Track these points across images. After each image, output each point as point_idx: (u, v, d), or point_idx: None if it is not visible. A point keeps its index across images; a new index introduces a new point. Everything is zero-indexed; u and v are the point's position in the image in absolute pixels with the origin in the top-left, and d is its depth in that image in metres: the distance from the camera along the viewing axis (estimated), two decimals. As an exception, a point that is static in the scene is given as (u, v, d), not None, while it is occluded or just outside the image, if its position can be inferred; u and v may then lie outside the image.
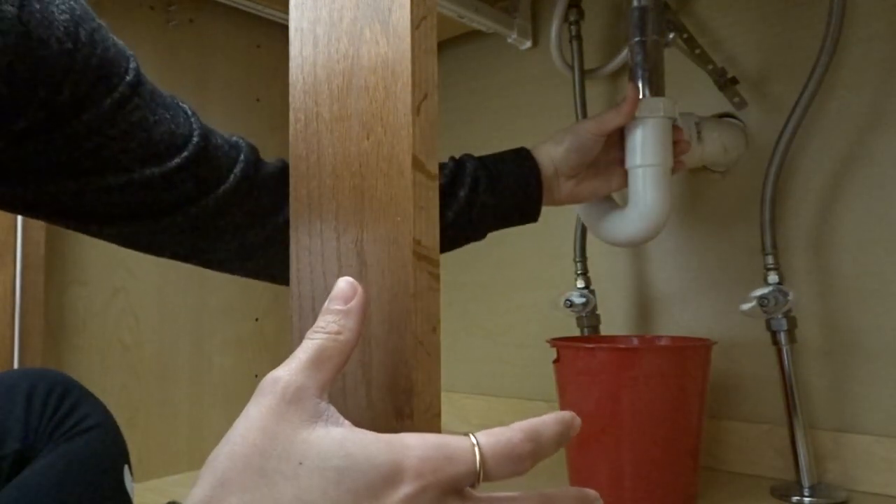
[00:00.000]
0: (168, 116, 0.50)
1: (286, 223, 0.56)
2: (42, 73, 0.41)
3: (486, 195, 0.70)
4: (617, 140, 0.83)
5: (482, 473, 0.30)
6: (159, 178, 0.49)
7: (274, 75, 1.30)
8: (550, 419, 0.32)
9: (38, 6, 0.40)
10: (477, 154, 0.73)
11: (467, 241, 0.72)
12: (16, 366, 0.96)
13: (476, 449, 0.30)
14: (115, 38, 0.47)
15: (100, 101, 0.45)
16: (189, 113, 0.52)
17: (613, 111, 0.79)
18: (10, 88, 0.40)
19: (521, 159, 0.74)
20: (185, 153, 0.50)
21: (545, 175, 0.75)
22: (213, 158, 0.52)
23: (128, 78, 0.47)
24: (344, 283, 0.34)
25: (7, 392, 0.59)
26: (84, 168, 0.46)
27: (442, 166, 0.69)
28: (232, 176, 0.53)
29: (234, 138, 0.56)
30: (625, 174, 0.83)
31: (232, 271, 0.60)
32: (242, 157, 0.54)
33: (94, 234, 0.53)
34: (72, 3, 0.43)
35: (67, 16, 0.42)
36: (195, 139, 0.51)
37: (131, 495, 0.60)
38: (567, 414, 0.33)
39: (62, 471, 0.56)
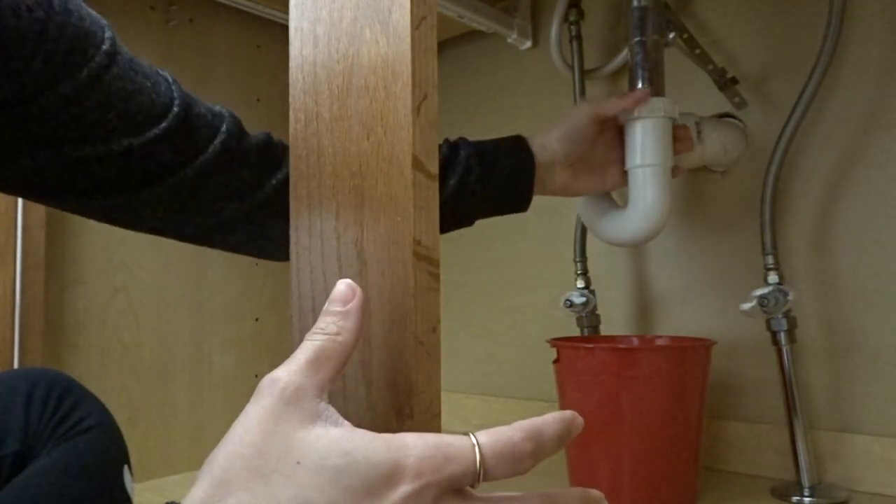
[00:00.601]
0: (148, 85, 0.49)
1: (267, 198, 0.55)
2: (12, 43, 0.40)
3: (478, 185, 0.68)
4: (616, 139, 0.83)
5: (482, 473, 0.30)
6: (138, 148, 0.48)
7: (274, 75, 1.30)
8: (552, 418, 0.32)
9: None
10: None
11: (456, 227, 0.70)
12: (16, 366, 0.96)
13: (476, 448, 0.30)
14: (88, 7, 0.46)
15: (76, 71, 0.44)
16: (170, 81, 0.51)
17: (614, 98, 0.79)
18: None
19: (517, 150, 0.73)
20: (165, 123, 0.49)
21: (540, 163, 0.74)
22: (193, 128, 0.51)
23: (104, 47, 0.46)
24: (343, 286, 0.34)
25: (7, 392, 0.59)
26: (61, 140, 0.45)
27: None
28: (212, 147, 0.52)
29: (218, 108, 0.55)
30: (623, 174, 0.83)
31: (213, 245, 0.59)
32: (225, 127, 0.53)
33: (73, 210, 0.52)
34: None
35: None
36: (175, 108, 0.50)
37: (131, 495, 0.60)
38: (569, 413, 0.33)
39: (62, 471, 0.55)
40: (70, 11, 0.44)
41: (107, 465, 0.59)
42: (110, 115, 0.46)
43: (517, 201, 0.73)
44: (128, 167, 0.48)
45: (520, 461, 0.30)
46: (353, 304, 0.33)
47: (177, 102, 0.50)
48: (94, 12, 0.47)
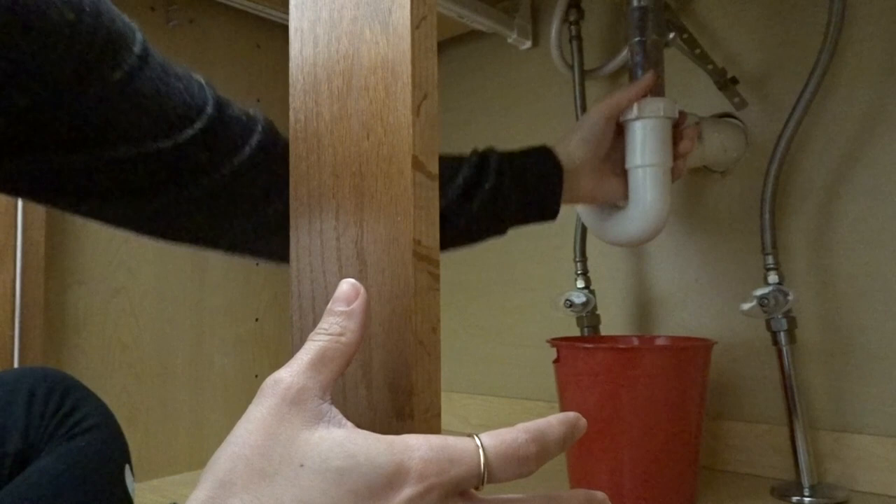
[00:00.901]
0: (181, 87, 0.48)
1: None
2: (42, 45, 0.40)
3: (511, 189, 0.68)
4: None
5: (486, 475, 0.30)
6: (171, 149, 0.47)
7: (274, 75, 1.30)
8: (555, 420, 0.32)
9: None
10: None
11: (490, 234, 0.70)
12: (16, 366, 0.96)
13: (480, 450, 0.30)
14: (118, 10, 0.46)
15: (107, 73, 0.43)
16: (203, 83, 0.50)
17: (621, 91, 0.79)
18: (7, 63, 0.38)
19: (544, 156, 0.73)
20: (198, 124, 0.48)
21: (566, 170, 0.74)
22: (227, 129, 0.50)
23: (135, 50, 0.45)
24: (346, 285, 0.34)
25: (8, 391, 0.59)
26: (92, 142, 0.44)
27: (466, 158, 0.68)
28: (248, 147, 0.51)
29: (252, 110, 0.54)
30: None
31: (257, 253, 0.57)
32: (260, 128, 0.52)
33: (109, 220, 0.51)
34: None
35: None
36: (209, 109, 0.49)
37: (132, 495, 0.60)
38: (572, 415, 0.33)
39: (63, 470, 0.56)
40: (101, 13, 0.43)
41: (108, 464, 0.59)
42: (142, 118, 0.46)
43: (547, 208, 0.74)
44: (161, 169, 0.48)
45: (524, 463, 0.30)
46: (357, 304, 0.33)
47: (210, 104, 0.49)
48: (125, 16, 0.46)
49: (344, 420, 0.31)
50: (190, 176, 0.49)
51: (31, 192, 0.47)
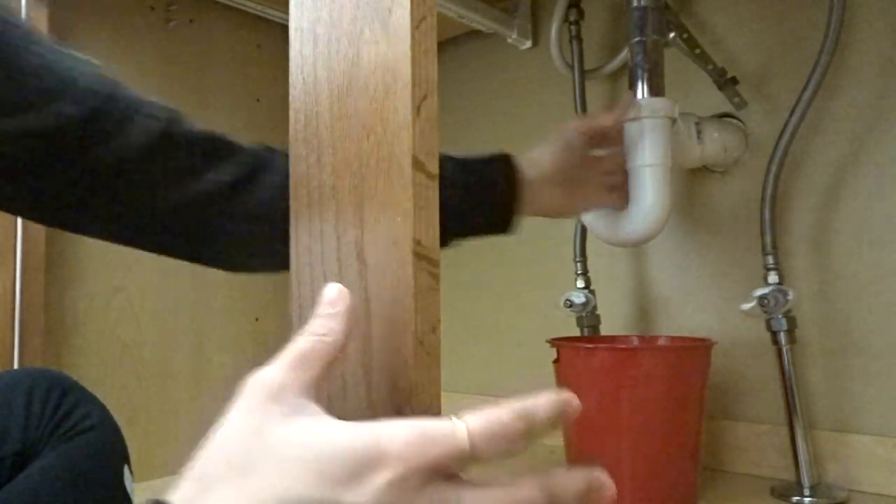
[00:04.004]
0: (64, 62, 0.45)
1: (208, 193, 0.50)
2: None
3: (458, 198, 0.62)
4: (604, 162, 0.82)
5: (472, 454, 0.29)
6: (53, 127, 0.44)
7: (274, 75, 1.30)
8: (545, 398, 0.31)
9: None
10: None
11: None
12: (16, 366, 0.96)
13: (464, 429, 0.29)
14: None
15: None
16: (96, 63, 0.48)
17: (602, 112, 0.79)
18: None
19: (500, 164, 0.67)
20: (86, 100, 0.45)
21: (529, 180, 0.68)
22: (117, 103, 0.47)
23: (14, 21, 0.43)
24: (331, 289, 0.35)
25: (7, 392, 0.59)
26: None
27: None
28: (134, 127, 0.47)
29: (155, 100, 0.51)
30: (606, 194, 0.82)
31: (158, 248, 0.54)
32: (149, 112, 0.49)
33: (9, 208, 0.49)
34: None
35: None
36: (97, 87, 0.46)
37: (131, 495, 0.60)
38: (565, 394, 0.32)
39: (62, 471, 0.56)
40: None
41: (107, 465, 0.59)
42: (19, 90, 0.43)
43: (497, 220, 0.66)
44: (52, 144, 0.45)
45: (511, 441, 0.30)
46: (341, 307, 0.34)
47: (100, 84, 0.47)
48: None
49: (323, 413, 0.31)
50: (71, 158, 0.46)
51: None
